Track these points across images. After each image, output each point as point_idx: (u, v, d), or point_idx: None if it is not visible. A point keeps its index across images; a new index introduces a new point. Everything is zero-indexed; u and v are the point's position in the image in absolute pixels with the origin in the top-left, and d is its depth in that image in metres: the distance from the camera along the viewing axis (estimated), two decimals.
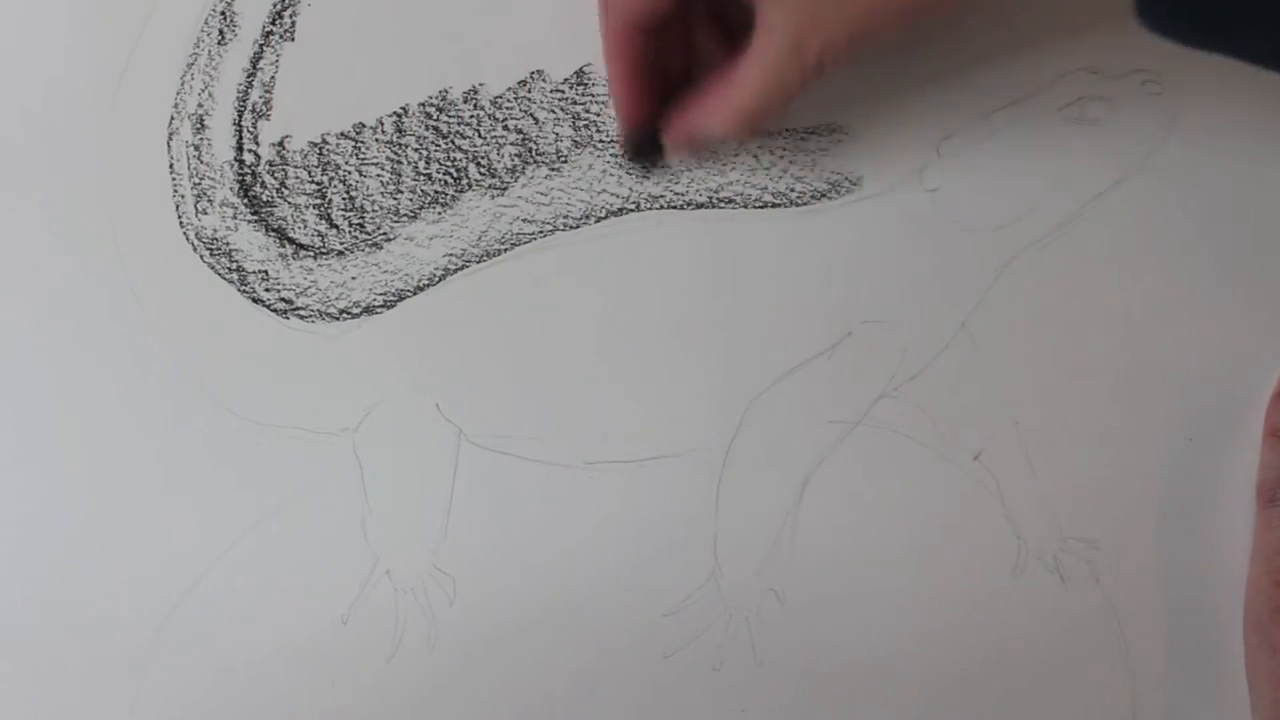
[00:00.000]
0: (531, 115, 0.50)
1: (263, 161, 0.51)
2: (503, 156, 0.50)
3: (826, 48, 0.42)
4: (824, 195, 0.49)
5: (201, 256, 0.51)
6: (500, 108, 0.50)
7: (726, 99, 0.44)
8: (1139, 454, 0.48)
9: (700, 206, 0.50)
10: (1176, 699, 0.47)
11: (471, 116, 0.51)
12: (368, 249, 0.51)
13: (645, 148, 0.48)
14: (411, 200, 0.51)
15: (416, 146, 0.51)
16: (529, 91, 0.50)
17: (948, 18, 0.47)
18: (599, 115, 0.50)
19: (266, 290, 0.51)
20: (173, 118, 0.51)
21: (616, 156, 0.50)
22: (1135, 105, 0.48)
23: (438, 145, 0.51)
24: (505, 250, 0.50)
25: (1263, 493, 0.47)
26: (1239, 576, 0.47)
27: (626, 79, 0.46)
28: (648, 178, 0.50)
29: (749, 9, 0.43)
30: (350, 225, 0.51)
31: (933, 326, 0.49)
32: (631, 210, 0.50)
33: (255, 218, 0.51)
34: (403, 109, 0.51)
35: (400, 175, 0.51)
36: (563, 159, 0.50)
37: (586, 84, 0.50)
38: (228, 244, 0.51)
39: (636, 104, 0.47)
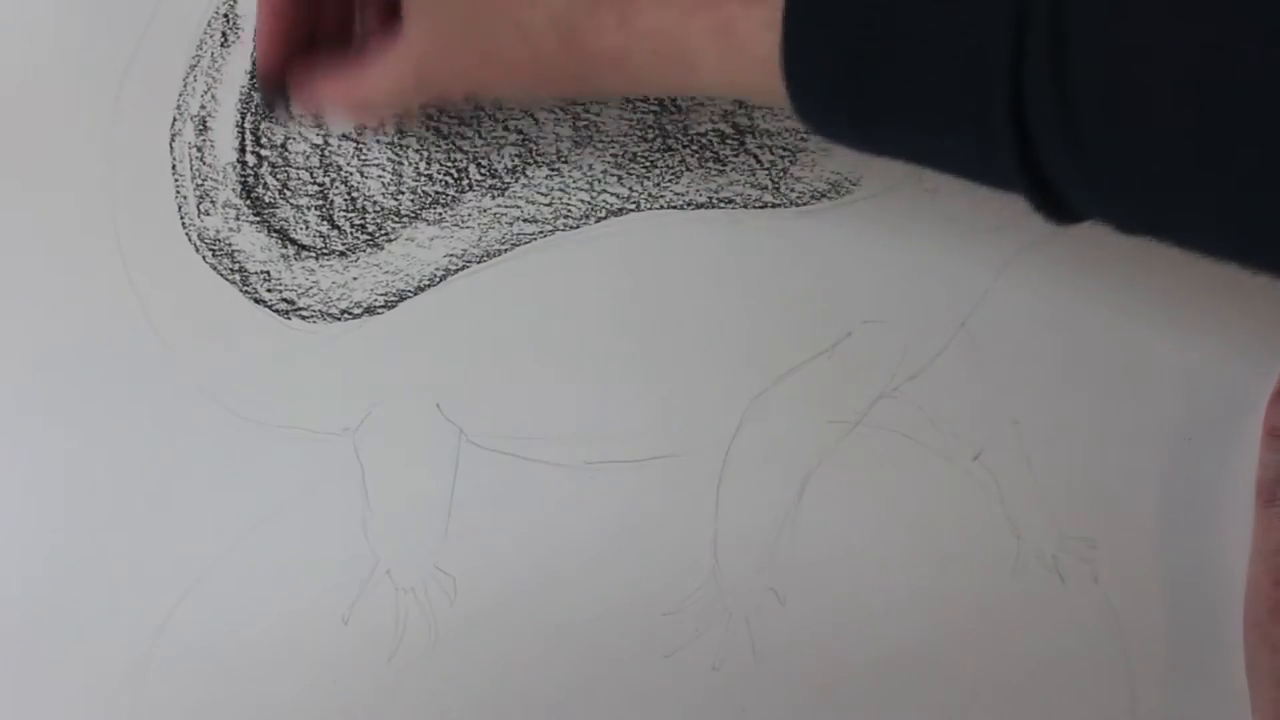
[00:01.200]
0: (531, 115, 0.51)
1: (265, 163, 0.51)
2: (503, 157, 0.50)
3: (446, 89, 0.44)
4: (824, 195, 0.49)
5: (204, 257, 0.51)
6: (500, 108, 0.50)
7: (349, 88, 0.45)
8: (1139, 454, 0.48)
9: (700, 206, 0.50)
10: (1176, 698, 0.47)
11: (472, 117, 0.51)
12: (369, 249, 0.51)
13: (276, 97, 0.48)
14: (412, 201, 0.51)
15: (417, 147, 0.51)
16: None
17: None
18: (599, 115, 0.50)
19: (269, 291, 0.51)
20: (175, 119, 0.52)
21: (617, 156, 0.50)
22: None
23: (438, 146, 0.51)
24: (506, 250, 0.50)
25: (1262, 493, 0.46)
26: (1238, 576, 0.47)
27: (268, 34, 0.46)
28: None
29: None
30: (352, 226, 0.51)
31: (933, 326, 0.49)
32: (631, 210, 0.50)
33: (258, 219, 0.51)
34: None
35: (401, 176, 0.51)
36: (563, 159, 0.50)
37: None
38: (230, 245, 0.51)
39: (272, 59, 0.47)
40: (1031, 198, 0.35)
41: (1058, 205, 0.35)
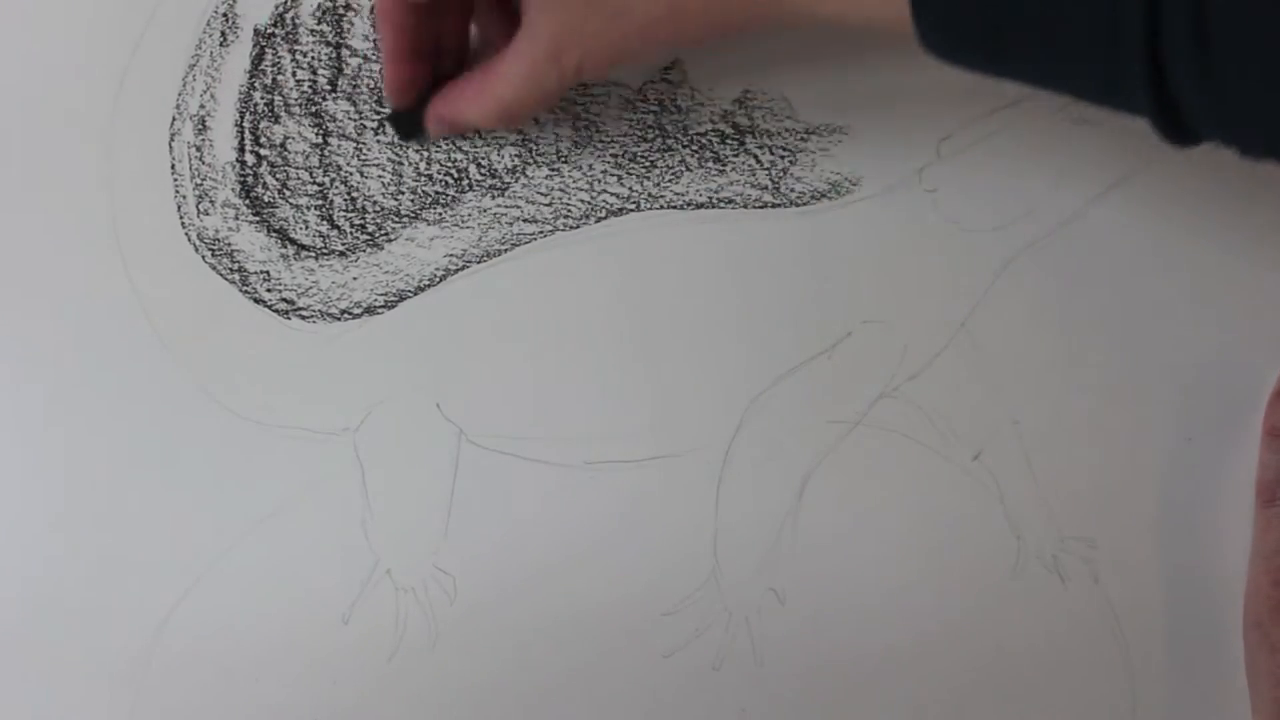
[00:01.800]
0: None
1: (264, 162, 0.51)
2: (503, 157, 0.50)
3: (584, 62, 0.43)
4: (824, 195, 0.49)
5: (204, 257, 0.51)
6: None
7: (486, 92, 0.45)
8: (1139, 454, 0.48)
9: (700, 206, 0.50)
10: (1176, 698, 0.47)
11: None
12: (369, 249, 0.51)
13: (408, 122, 0.48)
14: (412, 201, 0.51)
15: (417, 147, 0.51)
16: None
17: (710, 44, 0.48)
18: (599, 115, 0.50)
19: (268, 291, 0.51)
20: (175, 119, 0.52)
21: (617, 156, 0.50)
22: None
23: (438, 146, 0.51)
24: (506, 250, 0.50)
25: (1262, 493, 0.46)
26: (1238, 576, 0.47)
27: (395, 56, 0.46)
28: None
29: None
30: (351, 226, 0.51)
31: (933, 326, 0.49)
32: (631, 210, 0.50)
33: (257, 219, 0.51)
34: None
35: (401, 176, 0.51)
36: (563, 159, 0.50)
37: (586, 84, 0.50)
38: (230, 245, 0.51)
39: (404, 83, 0.47)
40: (1158, 123, 0.36)
41: (1182, 129, 0.36)
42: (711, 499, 0.49)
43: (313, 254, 0.51)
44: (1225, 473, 0.47)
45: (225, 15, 0.51)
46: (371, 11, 0.50)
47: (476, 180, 0.50)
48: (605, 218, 0.50)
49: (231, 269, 0.51)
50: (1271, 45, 0.32)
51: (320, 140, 0.51)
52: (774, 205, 0.50)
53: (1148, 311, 0.48)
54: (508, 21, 0.44)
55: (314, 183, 0.51)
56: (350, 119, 0.51)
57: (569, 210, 0.50)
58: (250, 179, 0.51)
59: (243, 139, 0.51)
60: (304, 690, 0.50)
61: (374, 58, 0.51)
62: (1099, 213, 0.48)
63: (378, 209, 0.51)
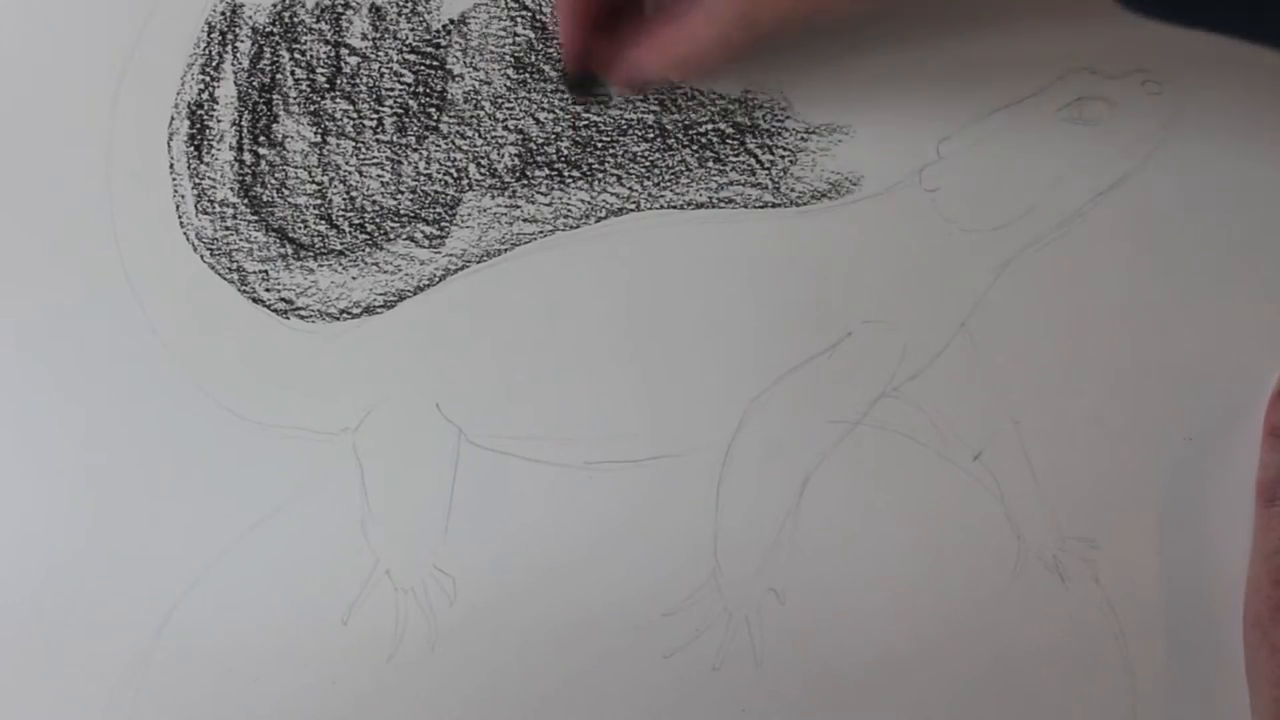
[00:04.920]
0: (532, 115, 0.50)
1: (263, 161, 0.51)
2: (503, 157, 0.50)
3: (776, 19, 0.42)
4: (824, 195, 0.49)
5: (202, 256, 0.51)
6: (500, 108, 0.50)
7: (671, 45, 0.43)
8: (1139, 454, 0.48)
9: (700, 206, 0.50)
10: (1176, 699, 0.47)
11: (472, 116, 0.51)
12: (368, 249, 0.51)
13: (587, 82, 0.47)
14: (412, 200, 0.51)
15: (417, 146, 0.51)
16: (529, 91, 0.50)
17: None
18: (599, 116, 0.50)
19: (267, 290, 0.51)
20: (173, 117, 0.52)
21: (617, 156, 0.50)
22: (1135, 105, 0.48)
23: (438, 145, 0.51)
24: (506, 250, 0.50)
25: (1262, 493, 0.46)
26: (1238, 576, 0.47)
27: (572, 14, 0.45)
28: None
29: None
30: (350, 225, 0.51)
31: (933, 326, 0.49)
32: (631, 210, 0.50)
33: (255, 217, 0.51)
34: (403, 108, 0.51)
35: (400, 175, 0.51)
36: (563, 159, 0.50)
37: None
38: (228, 244, 0.51)
39: (580, 41, 0.46)
40: None
41: None
42: (711, 499, 0.49)
43: (311, 253, 0.51)
44: (1225, 473, 0.47)
45: (224, 14, 0.51)
46: None
47: (476, 180, 0.50)
48: (605, 218, 0.50)
49: (230, 268, 0.51)
50: None
51: (319, 139, 0.51)
52: (774, 205, 0.50)
53: (1147, 311, 0.48)
54: None
55: (313, 181, 0.51)
56: (349, 118, 0.51)
57: (569, 210, 0.50)
58: (249, 178, 0.51)
59: (241, 138, 0.51)
60: (303, 691, 0.50)
61: (373, 56, 0.51)
62: (1099, 213, 0.48)
63: (377, 208, 0.51)
